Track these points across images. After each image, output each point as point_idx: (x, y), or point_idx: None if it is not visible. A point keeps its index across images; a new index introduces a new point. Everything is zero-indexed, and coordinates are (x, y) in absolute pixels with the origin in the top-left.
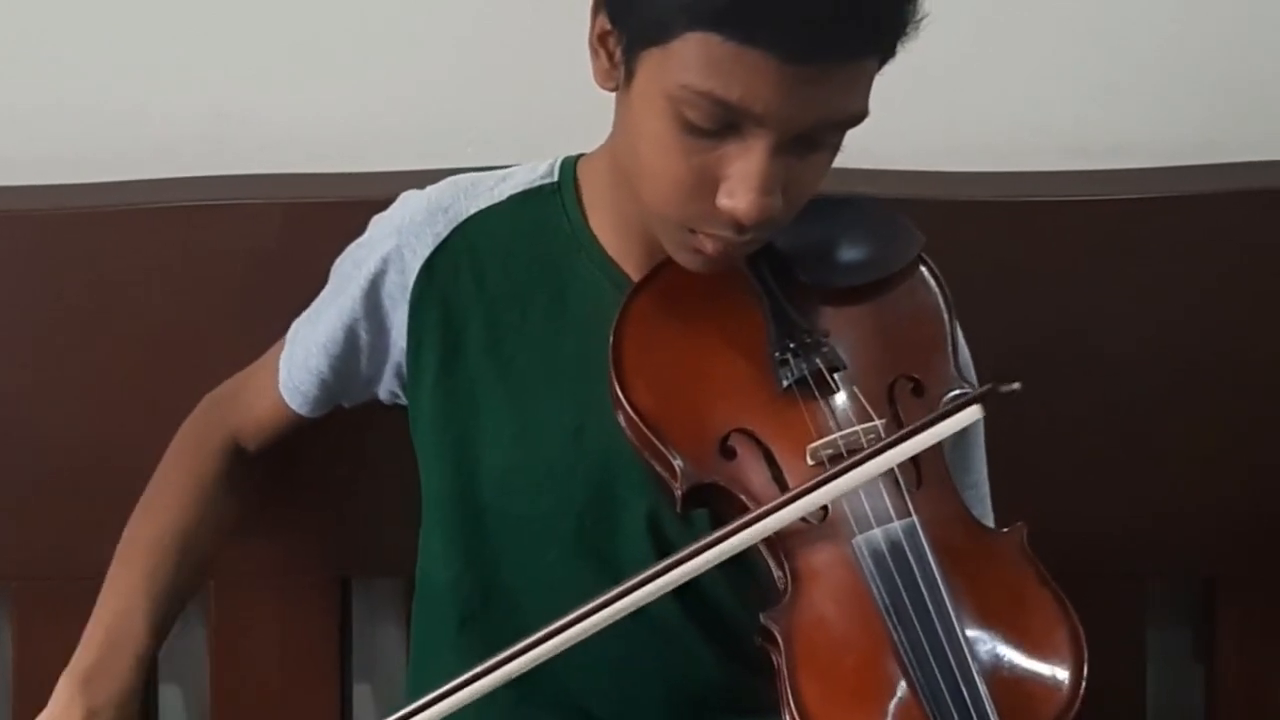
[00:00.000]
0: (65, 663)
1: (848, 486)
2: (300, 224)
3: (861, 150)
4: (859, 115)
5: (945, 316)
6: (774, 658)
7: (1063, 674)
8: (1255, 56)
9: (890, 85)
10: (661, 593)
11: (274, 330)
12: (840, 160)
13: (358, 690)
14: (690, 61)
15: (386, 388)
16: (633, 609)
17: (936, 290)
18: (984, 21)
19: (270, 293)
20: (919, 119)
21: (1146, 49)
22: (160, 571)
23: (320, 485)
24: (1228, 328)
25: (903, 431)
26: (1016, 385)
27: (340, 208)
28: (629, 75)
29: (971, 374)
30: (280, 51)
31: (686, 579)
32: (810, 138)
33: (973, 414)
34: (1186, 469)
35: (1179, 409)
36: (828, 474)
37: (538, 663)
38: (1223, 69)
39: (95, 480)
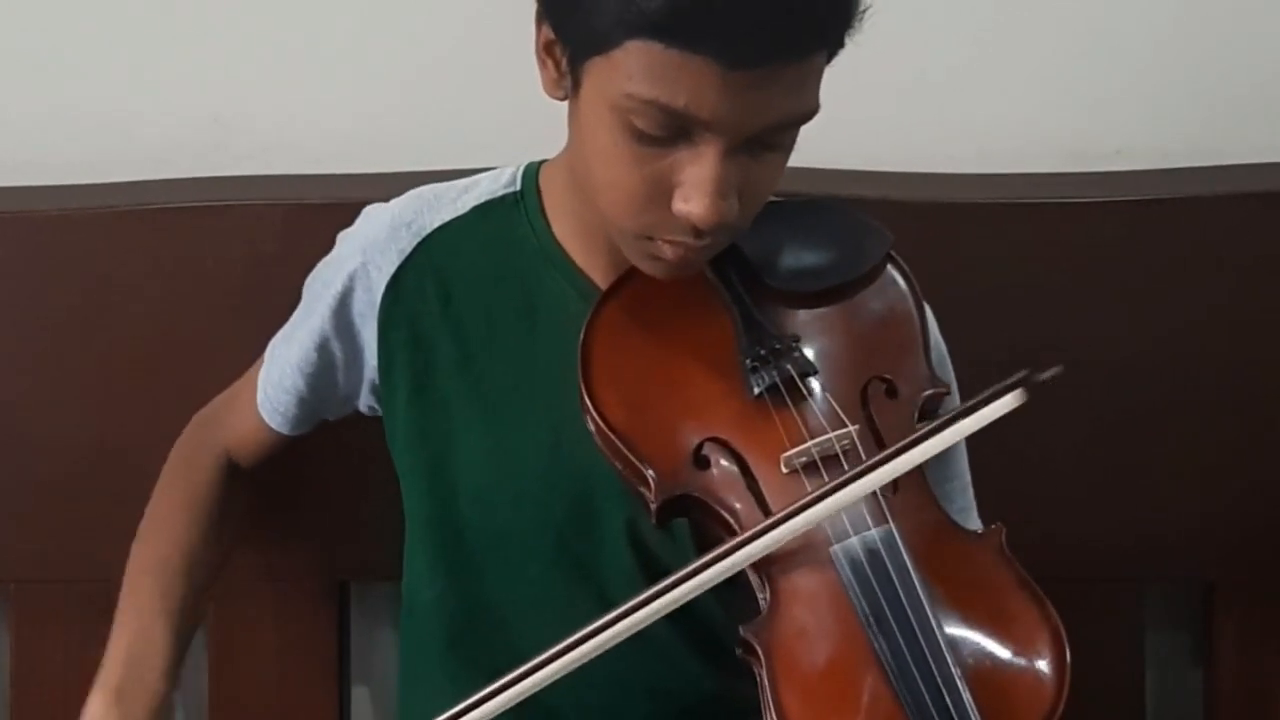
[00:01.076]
0: (64, 665)
1: (839, 505)
2: (299, 226)
3: (861, 153)
4: (809, 113)
5: (916, 315)
6: (755, 670)
7: (1045, 675)
8: (1251, 60)
9: (892, 91)
10: (650, 621)
11: (272, 332)
12: (838, 162)
13: (355, 694)
14: (633, 70)
15: (365, 402)
16: (621, 638)
17: (906, 289)
18: (983, 27)
19: (269, 295)
20: (919, 123)
21: (1143, 53)
22: (172, 590)
23: (318, 490)
24: (1226, 330)
25: (939, 422)
26: (1057, 369)
27: (339, 209)
28: (576, 85)
29: (948, 371)
30: (278, 53)
31: (674, 607)
32: (762, 138)
33: (1014, 400)
34: (1185, 473)
35: (1177, 412)
36: (816, 494)
37: (529, 693)
38: (1219, 72)
39: (94, 483)
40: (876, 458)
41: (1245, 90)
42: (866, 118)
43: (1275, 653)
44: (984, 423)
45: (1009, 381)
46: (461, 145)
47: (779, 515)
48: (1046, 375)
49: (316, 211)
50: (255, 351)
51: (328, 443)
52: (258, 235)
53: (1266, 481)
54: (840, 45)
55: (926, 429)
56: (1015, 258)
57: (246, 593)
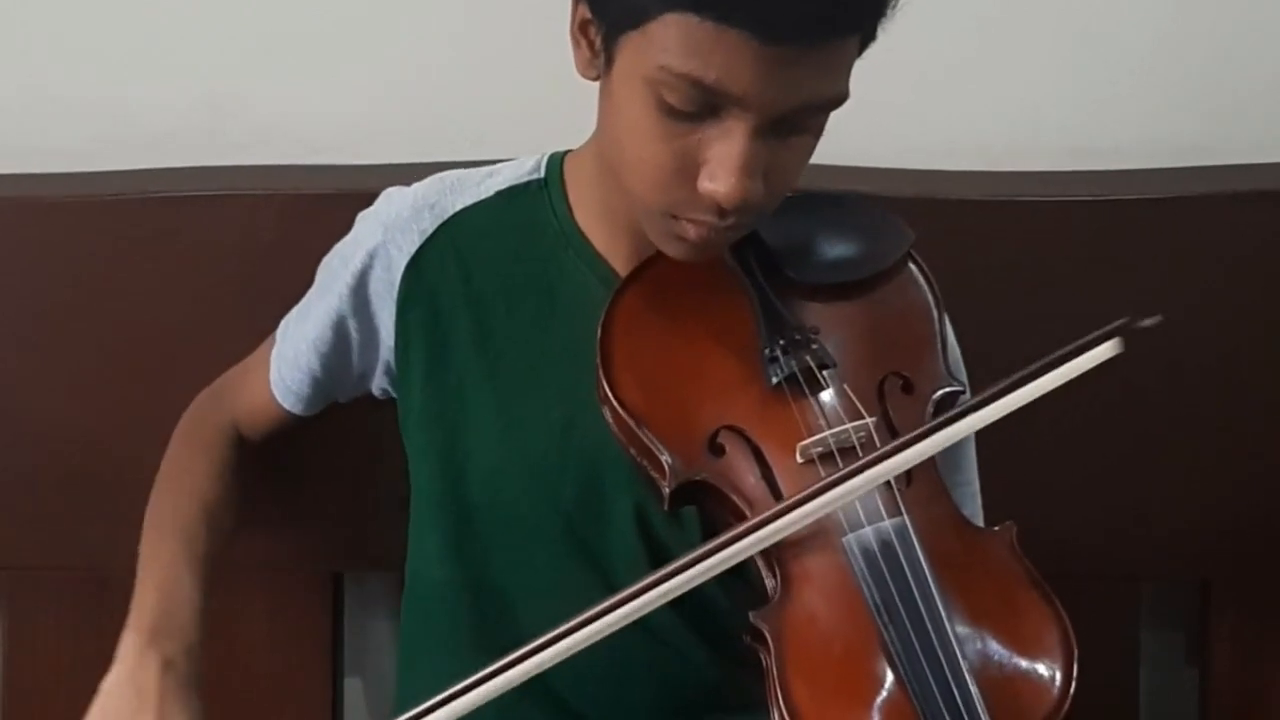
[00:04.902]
0: (57, 653)
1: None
2: (295, 216)
3: (862, 150)
4: (839, 97)
5: (935, 314)
6: (763, 657)
7: (1053, 674)
8: (1247, 61)
9: (892, 87)
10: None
11: (268, 322)
12: (840, 158)
13: (349, 684)
14: (668, 43)
15: (378, 384)
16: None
17: (926, 288)
18: (982, 25)
19: (264, 285)
20: (918, 120)
21: (1141, 53)
22: (194, 539)
23: (312, 480)
24: (1222, 329)
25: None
26: (1157, 318)
27: (335, 200)
28: (609, 62)
29: (962, 373)
30: (275, 42)
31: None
32: (791, 120)
33: (1110, 349)
34: (1181, 471)
35: (1174, 410)
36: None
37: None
38: (1216, 73)
39: (88, 471)
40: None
41: (1245, 89)
42: (866, 114)
43: (1270, 652)
44: (1079, 371)
45: (1105, 330)
46: (460, 137)
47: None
48: (1145, 323)
49: (313, 202)
50: (251, 340)
51: (322, 433)
52: (254, 225)
53: (1262, 481)
54: (872, 35)
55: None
56: (1013, 255)
57: (240, 582)
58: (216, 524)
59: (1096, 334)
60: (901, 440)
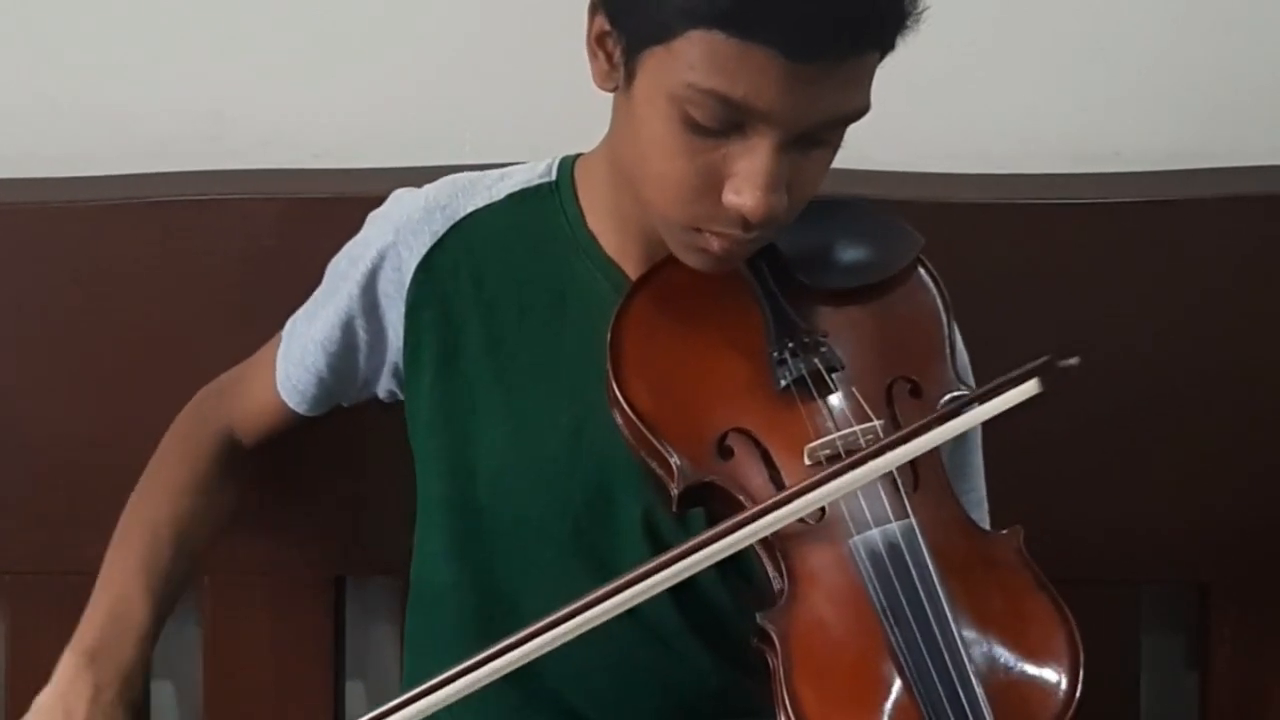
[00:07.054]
0: (59, 656)
1: (852, 484)
2: (298, 220)
3: (864, 154)
4: (861, 110)
5: (943, 319)
6: (770, 659)
7: (1059, 678)
8: (1251, 63)
9: (894, 91)
10: (657, 590)
11: (270, 326)
12: (842, 162)
13: (350, 688)
14: (694, 60)
15: (385, 387)
16: (628, 605)
17: (935, 292)
18: (984, 28)
19: (267, 289)
20: (921, 124)
21: (1144, 55)
22: (158, 556)
23: (315, 484)
24: (1223, 332)
25: (954, 407)
26: (1075, 359)
27: (338, 204)
28: (629, 76)
29: (969, 377)
30: (279, 46)
31: (682, 577)
32: (814, 134)
33: (1030, 389)
34: (1181, 475)
35: (1173, 414)
36: (830, 470)
37: (531, 657)
38: (1219, 75)
39: (89, 475)
40: (891, 439)
41: (1245, 93)
42: (869, 118)
43: (1270, 655)
44: (1000, 409)
45: (1027, 368)
46: (463, 141)
47: (785, 494)
48: (1065, 363)
49: (314, 206)
50: (252, 345)
51: (327, 437)
52: (255, 229)
53: (1262, 483)
54: (893, 46)
55: (941, 413)
56: (1014, 258)
57: (243, 586)
58: (188, 540)
59: (1016, 373)
60: (898, 435)
